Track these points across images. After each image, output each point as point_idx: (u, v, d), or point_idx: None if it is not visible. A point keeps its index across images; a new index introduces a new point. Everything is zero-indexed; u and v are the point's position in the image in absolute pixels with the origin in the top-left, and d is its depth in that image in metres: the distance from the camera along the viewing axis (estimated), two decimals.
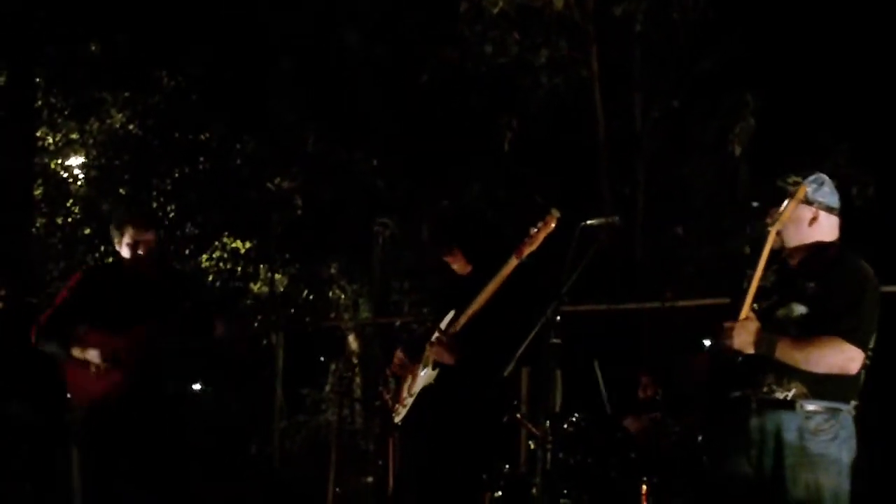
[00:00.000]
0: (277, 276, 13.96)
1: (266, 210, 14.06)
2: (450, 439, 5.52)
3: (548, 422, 5.66)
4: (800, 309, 4.45)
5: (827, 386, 4.40)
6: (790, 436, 4.41)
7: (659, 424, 7.87)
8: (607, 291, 11.22)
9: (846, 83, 13.65)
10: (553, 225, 5.27)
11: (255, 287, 14.42)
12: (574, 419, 7.54)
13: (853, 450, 4.48)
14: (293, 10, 14.22)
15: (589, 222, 5.26)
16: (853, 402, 4.49)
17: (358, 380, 12.65)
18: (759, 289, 4.49)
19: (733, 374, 4.52)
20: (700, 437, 7.48)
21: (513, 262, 5.33)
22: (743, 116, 13.48)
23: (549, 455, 5.57)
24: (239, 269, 14.22)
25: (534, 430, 7.18)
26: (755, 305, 4.47)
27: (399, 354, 5.97)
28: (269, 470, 9.96)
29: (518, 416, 7.50)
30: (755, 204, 4.92)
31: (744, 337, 4.41)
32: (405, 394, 5.74)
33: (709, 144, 14.08)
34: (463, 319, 5.48)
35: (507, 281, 5.40)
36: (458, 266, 5.75)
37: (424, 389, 5.59)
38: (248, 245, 14.50)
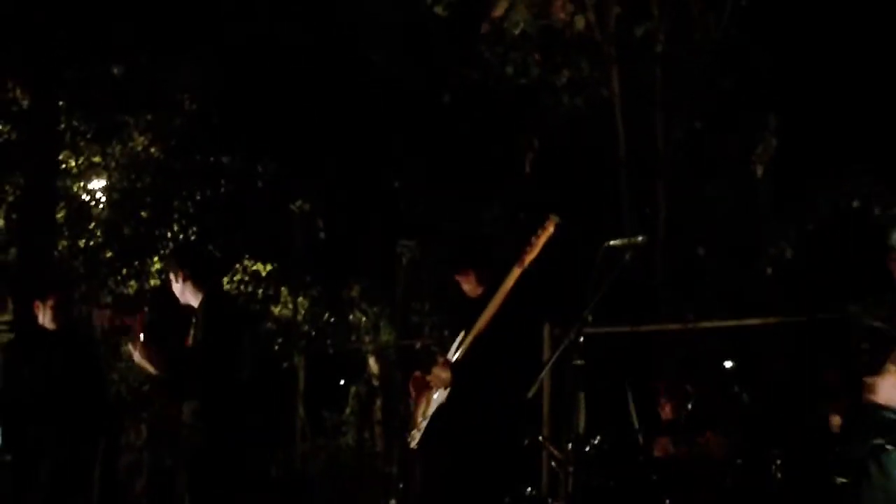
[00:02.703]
0: (299, 299, 13.96)
1: (287, 232, 14.07)
2: (469, 462, 5.49)
3: (570, 444, 5.63)
4: None
5: None
6: None
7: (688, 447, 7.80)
8: (631, 312, 11.19)
9: (867, 102, 13.58)
10: (552, 230, 5.26)
11: (276, 310, 14.42)
12: (596, 441, 7.50)
13: None
14: (316, 30, 14.24)
15: (612, 243, 5.23)
16: None
17: (378, 402, 12.63)
18: None
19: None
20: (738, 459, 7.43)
21: (516, 272, 5.32)
22: (764, 136, 13.44)
23: (570, 478, 5.53)
24: (260, 291, 14.23)
25: (556, 452, 7.13)
26: None
27: (417, 374, 5.96)
28: (290, 492, 9.94)
29: (540, 438, 7.46)
30: None
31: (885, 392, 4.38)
32: (419, 417, 5.72)
33: (730, 164, 14.03)
34: (470, 339, 5.46)
35: (514, 294, 5.38)
36: (470, 287, 5.73)
37: (438, 412, 5.57)
38: (269, 268, 14.51)
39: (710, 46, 14.08)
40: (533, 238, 5.29)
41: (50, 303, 7.31)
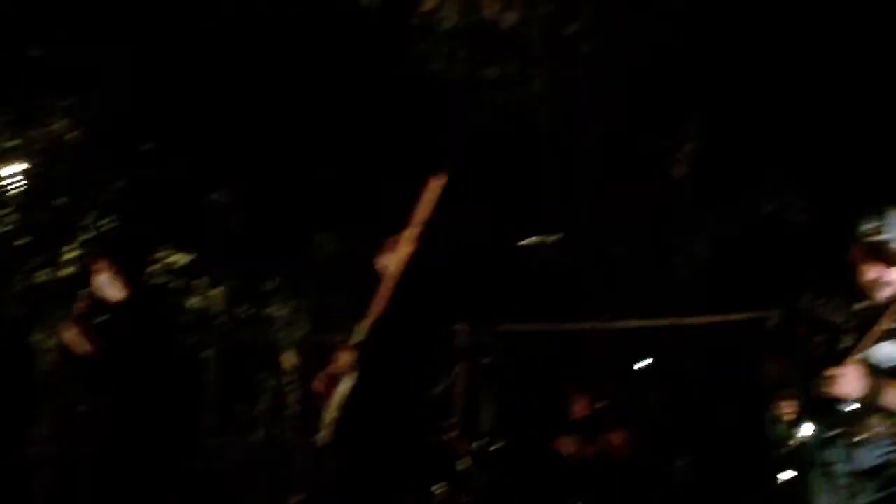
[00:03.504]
0: (214, 291, 13.82)
1: (205, 223, 13.92)
2: (375, 455, 5.47)
3: (478, 441, 5.64)
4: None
5: None
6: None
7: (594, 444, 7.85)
8: (547, 311, 11.23)
9: (788, 107, 13.77)
10: (436, 188, 5.28)
11: (191, 301, 14.25)
12: (506, 439, 7.50)
13: None
14: (238, 17, 14.13)
15: (525, 242, 5.25)
16: None
17: (293, 397, 12.53)
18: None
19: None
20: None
21: (409, 234, 5.33)
22: (687, 139, 13.56)
23: (480, 474, 5.55)
24: (175, 282, 14.05)
25: (466, 449, 7.12)
26: None
27: (327, 371, 5.93)
28: (201, 487, 9.83)
29: (450, 435, 7.44)
30: None
31: (847, 384, 4.41)
32: (329, 412, 5.69)
33: (652, 166, 14.15)
34: (370, 319, 5.44)
35: (413, 272, 5.41)
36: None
37: (346, 403, 5.54)
38: (185, 258, 14.35)
39: (636, 48, 14.19)
40: (422, 197, 5.31)
41: None
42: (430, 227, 5.40)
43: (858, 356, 4.39)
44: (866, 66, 13.58)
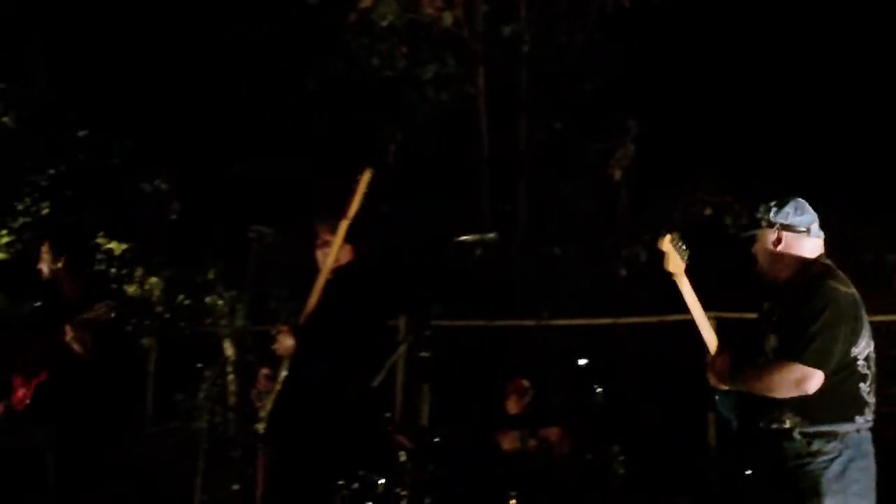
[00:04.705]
0: (152, 280, 13.72)
1: (142, 211, 13.82)
2: (308, 447, 5.49)
3: (416, 434, 5.68)
4: (772, 341, 4.52)
5: (817, 409, 4.43)
6: (792, 464, 4.44)
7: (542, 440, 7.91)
8: (484, 307, 11.30)
9: (723, 112, 13.97)
10: (367, 177, 5.32)
11: (129, 289, 14.13)
12: (445, 433, 7.56)
13: (864, 469, 4.46)
14: (180, 6, 14.03)
15: (463, 238, 5.30)
16: (861, 420, 4.47)
17: (232, 387, 12.51)
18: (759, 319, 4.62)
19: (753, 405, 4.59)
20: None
21: (343, 226, 5.37)
22: (624, 142, 13.70)
23: (418, 468, 5.59)
24: (113, 270, 13.91)
25: (404, 442, 7.17)
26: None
27: (264, 371, 5.95)
28: (140, 476, 9.78)
29: (390, 428, 7.49)
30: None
31: (714, 374, 4.62)
32: (268, 403, 5.70)
33: (590, 167, 14.27)
34: (312, 300, 5.45)
35: (351, 267, 5.45)
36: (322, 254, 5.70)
37: (283, 397, 5.55)
38: (123, 246, 14.21)
39: (574, 50, 14.31)
40: (353, 190, 5.35)
41: None
42: (363, 220, 5.44)
43: None
44: (801, 64, 13.83)
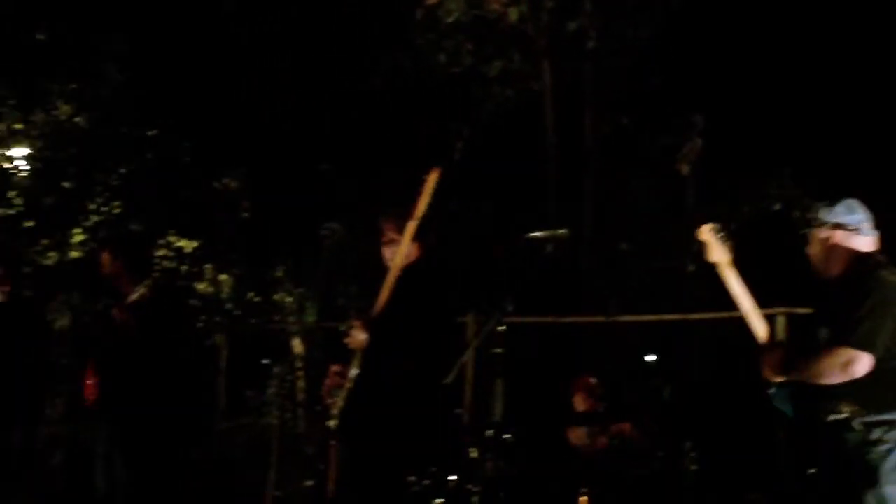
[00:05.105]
0: (223, 277, 13.89)
1: (213, 210, 13.97)
2: (380, 443, 5.50)
3: (488, 431, 5.67)
4: (824, 333, 4.56)
5: (875, 399, 4.44)
6: (851, 453, 4.45)
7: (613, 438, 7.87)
8: (552, 304, 11.28)
9: (792, 106, 13.83)
10: (435, 176, 5.31)
11: (200, 287, 14.30)
12: (516, 429, 7.55)
13: None
14: (250, 7, 14.15)
15: (534, 234, 5.27)
16: None
17: (301, 383, 12.58)
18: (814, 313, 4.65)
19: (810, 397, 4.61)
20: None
21: (412, 226, 5.37)
22: (691, 136, 13.59)
23: (489, 464, 5.58)
24: (184, 268, 14.09)
25: (475, 439, 7.18)
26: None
27: (334, 367, 5.97)
28: (210, 471, 9.88)
29: (460, 425, 7.51)
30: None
31: (767, 366, 4.62)
32: (339, 400, 5.72)
33: (656, 162, 14.18)
34: (382, 297, 5.47)
35: (419, 264, 5.47)
36: (390, 252, 5.73)
37: (355, 393, 5.56)
38: (193, 244, 14.37)
39: (640, 44, 14.22)
40: (420, 189, 5.35)
41: None
42: (431, 218, 5.43)
43: None
44: (871, 64, 13.66)
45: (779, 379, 4.64)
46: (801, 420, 4.70)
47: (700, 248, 4.79)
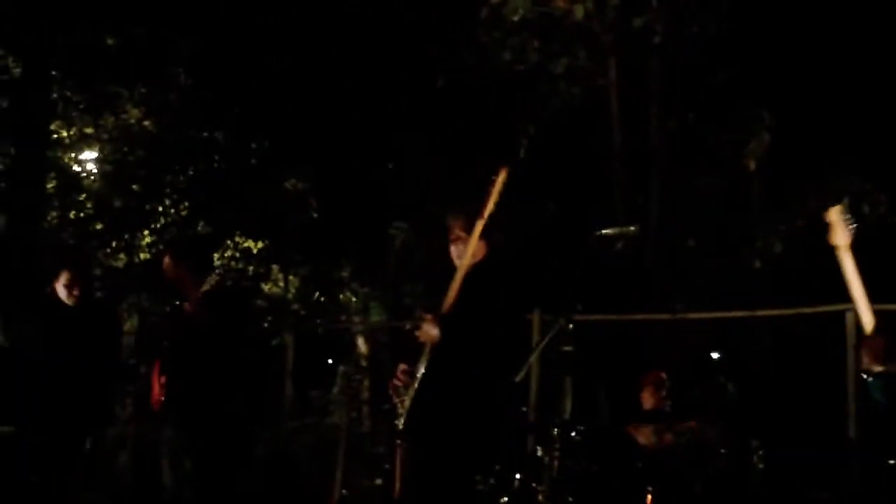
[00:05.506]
0: (289, 278, 13.99)
1: (280, 210, 14.07)
2: (448, 442, 5.50)
3: (556, 429, 5.65)
4: None
5: None
6: None
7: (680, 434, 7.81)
8: (618, 301, 11.22)
9: (859, 102, 13.64)
10: (503, 176, 5.30)
11: (266, 287, 14.42)
12: (582, 427, 7.51)
13: None
14: (313, 8, 14.22)
15: (604, 231, 5.25)
16: None
17: (366, 383, 12.67)
18: None
19: None
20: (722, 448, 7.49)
21: (479, 225, 5.36)
22: (757, 132, 13.46)
23: (555, 463, 5.55)
24: (251, 268, 14.23)
25: (543, 437, 7.15)
26: None
27: (402, 367, 5.97)
28: (277, 470, 9.97)
29: (528, 423, 7.49)
30: None
31: (869, 354, 4.57)
32: (406, 399, 5.73)
33: (723, 158, 14.06)
34: (450, 295, 5.46)
35: (486, 262, 5.46)
36: (458, 249, 5.72)
37: (422, 392, 5.56)
38: (260, 245, 14.50)
39: (706, 40, 14.10)
40: (488, 189, 5.34)
41: (63, 280, 7.19)
42: (499, 216, 5.43)
43: None
44: None
45: (878, 369, 4.55)
46: (891, 411, 4.63)
47: (828, 229, 4.71)
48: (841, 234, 4.64)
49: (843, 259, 4.64)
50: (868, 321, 4.65)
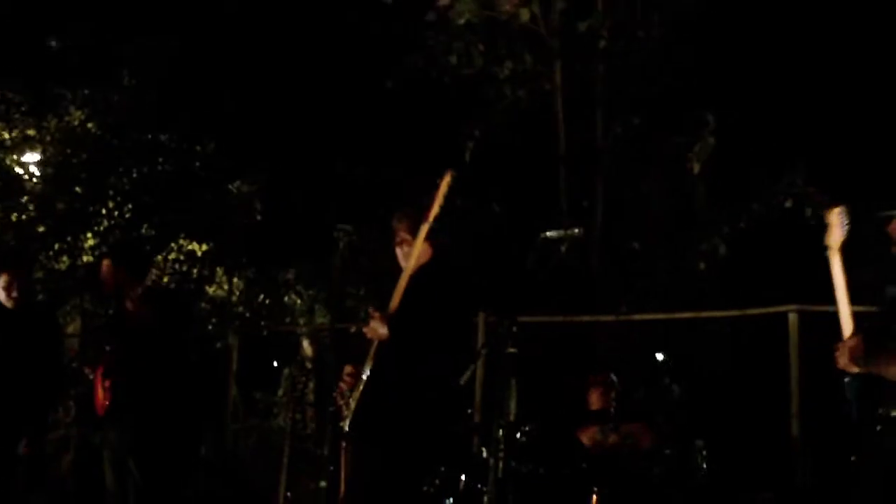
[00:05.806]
0: (234, 280, 13.92)
1: (224, 213, 13.99)
2: (393, 443, 5.50)
3: (501, 430, 5.67)
4: None
5: None
6: None
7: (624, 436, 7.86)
8: (564, 303, 11.26)
9: (804, 103, 13.78)
10: (448, 178, 5.33)
11: (210, 290, 14.33)
12: (527, 429, 7.54)
13: None
14: (259, 9, 14.18)
15: (549, 234, 5.28)
16: None
17: (311, 385, 12.63)
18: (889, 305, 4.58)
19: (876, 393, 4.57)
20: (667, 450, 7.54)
21: (425, 227, 5.38)
22: (702, 135, 13.55)
23: (501, 464, 5.58)
24: (195, 271, 14.13)
25: (487, 438, 7.17)
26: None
27: (348, 369, 5.97)
28: (221, 472, 9.94)
29: (472, 424, 7.51)
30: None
31: (847, 356, 4.57)
32: (351, 400, 5.73)
33: (668, 161, 14.14)
34: (395, 298, 5.47)
35: (432, 265, 5.48)
36: (403, 251, 5.72)
37: (367, 393, 5.56)
38: (204, 247, 14.41)
39: (651, 44, 14.19)
40: (434, 191, 5.36)
41: (1, 282, 7.12)
42: (444, 219, 5.44)
43: None
44: (884, 61, 13.60)
45: (855, 370, 4.59)
46: (861, 414, 4.66)
47: (826, 230, 4.74)
48: (836, 236, 4.69)
49: (833, 260, 4.69)
50: (847, 325, 4.70)
